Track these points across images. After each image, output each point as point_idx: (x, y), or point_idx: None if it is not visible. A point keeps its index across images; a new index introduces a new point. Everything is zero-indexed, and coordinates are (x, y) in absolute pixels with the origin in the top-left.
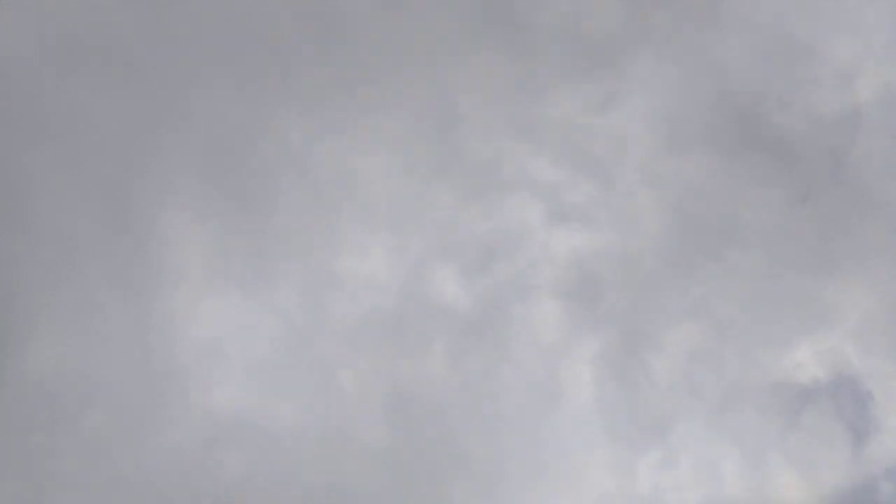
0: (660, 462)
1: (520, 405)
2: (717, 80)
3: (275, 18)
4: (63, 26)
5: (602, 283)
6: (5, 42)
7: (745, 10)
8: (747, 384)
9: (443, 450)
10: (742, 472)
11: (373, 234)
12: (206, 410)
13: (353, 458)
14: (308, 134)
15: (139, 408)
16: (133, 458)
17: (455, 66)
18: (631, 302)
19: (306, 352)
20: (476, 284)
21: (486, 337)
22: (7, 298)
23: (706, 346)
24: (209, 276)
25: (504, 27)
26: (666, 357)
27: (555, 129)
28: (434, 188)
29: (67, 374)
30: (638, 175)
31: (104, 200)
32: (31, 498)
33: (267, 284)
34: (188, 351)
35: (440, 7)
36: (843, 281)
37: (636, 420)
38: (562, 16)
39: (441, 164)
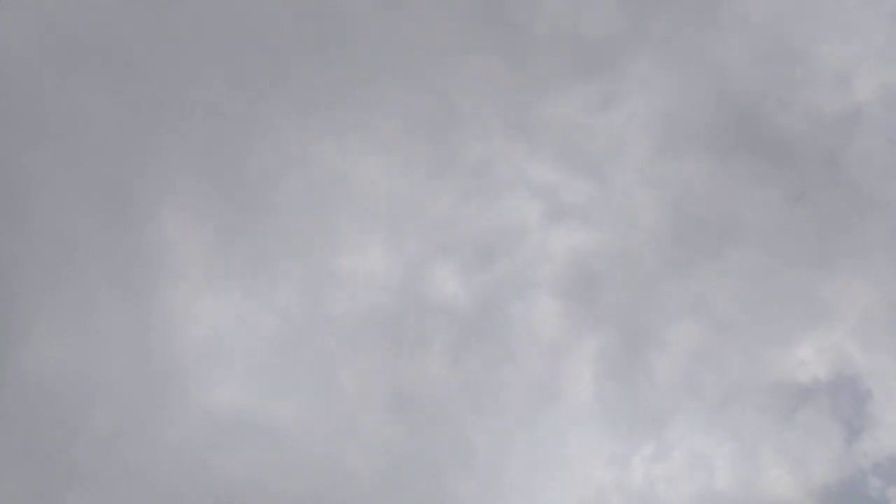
0: (654, 456)
1: (519, 402)
2: (715, 80)
3: (275, 18)
4: (63, 26)
5: (601, 281)
6: (5, 42)
7: (744, 12)
8: (747, 382)
9: (444, 446)
10: (734, 467)
11: (372, 234)
12: (207, 409)
13: (353, 455)
14: (308, 134)
15: (140, 407)
16: (135, 456)
17: (454, 67)
18: (630, 300)
19: (306, 350)
20: (475, 283)
21: (486, 334)
22: (7, 298)
23: (705, 345)
24: (209, 276)
25: (502, 29)
26: (665, 355)
27: (553, 129)
28: (433, 188)
29: (67, 374)
30: (636, 175)
31: (104, 200)
32: (31, 496)
33: (267, 284)
34: (188, 350)
35: (439, 9)
36: (841, 279)
37: (635, 417)
38: (560, 17)
39: (440, 164)
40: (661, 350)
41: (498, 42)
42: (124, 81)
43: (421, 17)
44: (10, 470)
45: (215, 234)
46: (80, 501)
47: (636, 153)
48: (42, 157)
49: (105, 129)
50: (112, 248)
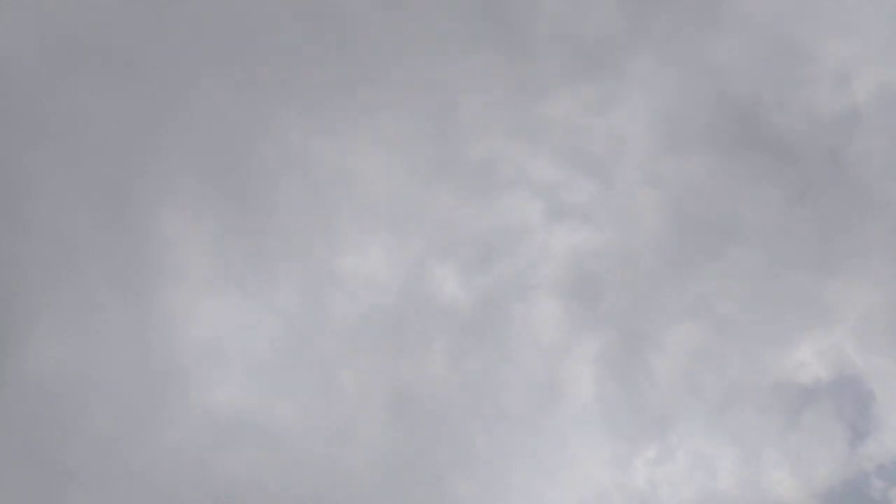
0: (656, 458)
1: (520, 402)
2: (715, 80)
3: (275, 18)
4: (63, 26)
5: (602, 282)
6: (5, 42)
7: (744, 12)
8: (749, 383)
9: (444, 447)
10: (736, 468)
11: (373, 234)
12: (207, 410)
13: (354, 456)
14: (308, 134)
15: (140, 407)
16: (135, 456)
17: (455, 67)
18: (631, 301)
19: (306, 351)
20: (476, 283)
21: (486, 335)
22: (7, 298)
23: (706, 346)
24: (209, 276)
25: (504, 28)
26: (666, 356)
27: (554, 129)
28: (434, 188)
29: (67, 374)
30: (637, 175)
31: (104, 200)
32: (31, 496)
33: (267, 284)
34: (188, 351)
35: (440, 8)
36: (843, 280)
37: (636, 419)
38: (561, 17)
39: (441, 164)
40: (663, 351)
41: (499, 42)
42: (124, 81)
43: (422, 16)
44: (10, 470)
45: (215, 234)
46: (79, 501)
47: (637, 153)
48: (42, 157)
49: (105, 129)
50: (112, 248)
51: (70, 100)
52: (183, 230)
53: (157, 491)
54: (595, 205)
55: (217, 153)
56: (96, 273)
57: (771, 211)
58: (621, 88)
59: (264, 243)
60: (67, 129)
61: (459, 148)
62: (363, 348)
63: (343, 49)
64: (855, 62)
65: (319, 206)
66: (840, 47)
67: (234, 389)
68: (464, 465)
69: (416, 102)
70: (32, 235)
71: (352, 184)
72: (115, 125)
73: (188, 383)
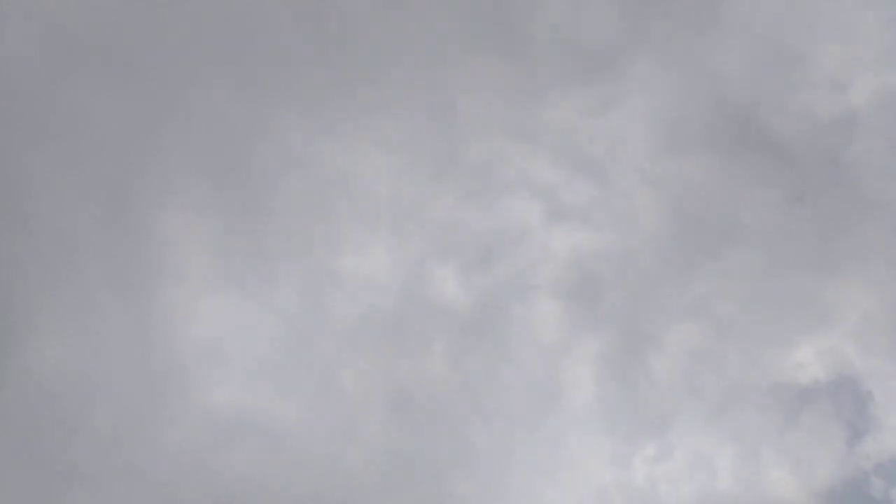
0: (656, 457)
1: (520, 402)
2: (714, 83)
3: (275, 18)
4: (63, 26)
5: (601, 282)
6: (5, 42)
7: (742, 16)
8: (748, 383)
9: (444, 446)
10: (735, 468)
11: (373, 234)
12: (207, 410)
13: (353, 455)
14: (308, 134)
15: (140, 407)
16: (135, 456)
17: (455, 69)
18: (631, 301)
19: (306, 351)
20: (476, 283)
21: (486, 335)
22: (7, 298)
23: (706, 346)
24: (209, 276)
25: (504, 31)
26: (666, 356)
27: (554, 131)
28: (434, 189)
29: (67, 374)
30: (637, 176)
31: (104, 200)
32: (31, 496)
33: (267, 284)
34: (188, 351)
35: (440, 10)
36: (842, 280)
37: (636, 418)
38: (561, 20)
39: (441, 165)
40: (662, 351)
41: (499, 44)
42: (124, 81)
43: (422, 18)
44: (10, 470)
45: (215, 234)
46: (80, 501)
47: (636, 155)
48: (42, 157)
49: (105, 129)
50: (112, 248)
51: (70, 100)
52: (183, 230)
53: (158, 490)
54: (594, 206)
55: (217, 153)
56: (96, 273)
57: (769, 212)
58: (621, 91)
59: (264, 243)
60: (67, 129)
61: (459, 149)
62: (363, 348)
63: (343, 49)
64: (852, 66)
65: (319, 207)
66: (838, 51)
67: (234, 389)
68: (464, 464)
69: (416, 103)
70: (32, 235)
71: (352, 184)
72: (115, 125)
73: (188, 383)
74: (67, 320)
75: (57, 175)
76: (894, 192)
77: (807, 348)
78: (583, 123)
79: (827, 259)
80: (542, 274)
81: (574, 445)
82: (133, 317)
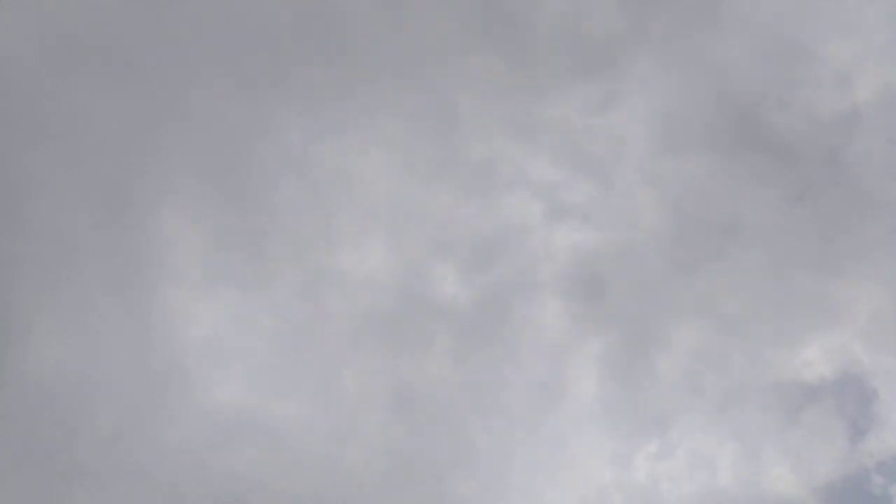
0: (657, 455)
1: (521, 402)
2: (716, 80)
3: (275, 18)
4: (63, 26)
5: (603, 281)
6: (5, 42)
7: (744, 12)
8: (750, 382)
9: (445, 446)
10: (737, 466)
11: (373, 234)
12: (207, 409)
13: (353, 455)
14: (308, 134)
15: (140, 407)
16: (135, 456)
17: (455, 67)
18: (632, 300)
19: (306, 351)
20: (476, 282)
21: (487, 334)
22: (7, 298)
23: (709, 344)
24: (209, 276)
25: (503, 28)
26: (668, 355)
27: (554, 129)
28: (433, 187)
29: (67, 374)
30: (637, 174)
31: (104, 200)
32: (32, 496)
33: (266, 284)
34: (188, 350)
35: (440, 8)
36: (845, 279)
37: (638, 417)
38: (561, 17)
39: (440, 164)
40: (665, 350)
41: (499, 42)
42: (124, 81)
43: (421, 16)
44: (10, 470)
45: (215, 234)
46: (80, 501)
47: (637, 153)
48: (42, 157)
49: (105, 129)
50: (112, 248)
51: (70, 100)
52: (183, 230)
53: (158, 490)
54: (595, 205)
55: (217, 153)
56: (96, 273)
57: (771, 211)
58: (621, 88)
59: (264, 243)
60: (67, 129)
61: (459, 148)
62: (363, 348)
63: (343, 49)
64: (855, 62)
65: (319, 206)
66: (840, 47)
67: (234, 389)
68: (465, 463)
69: (416, 102)
70: (32, 235)
71: (351, 184)
72: (115, 125)
73: (188, 383)
74: (67, 320)
75: (57, 175)
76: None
77: (811, 346)
78: (583, 121)
79: (830, 257)
80: (542, 273)
81: (575, 444)
82: (133, 317)
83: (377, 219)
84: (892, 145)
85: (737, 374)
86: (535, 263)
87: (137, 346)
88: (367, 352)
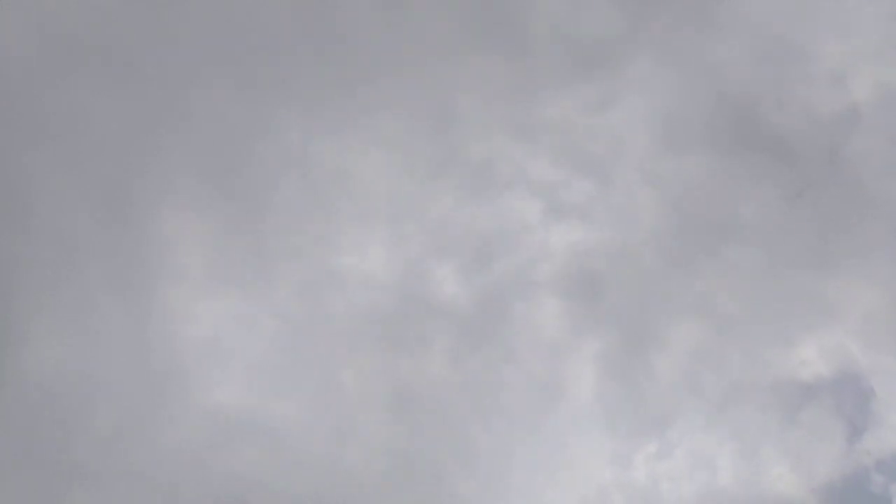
0: (656, 455)
1: (520, 401)
2: (713, 80)
3: (275, 18)
4: (63, 26)
5: (602, 280)
6: (5, 42)
7: (742, 12)
8: (749, 381)
9: (444, 446)
10: (736, 465)
11: (372, 233)
12: (207, 409)
13: (353, 455)
14: (308, 134)
15: (140, 407)
16: (135, 456)
17: (453, 67)
18: (631, 299)
19: (306, 351)
20: (475, 282)
21: (486, 334)
22: (7, 298)
23: (707, 344)
24: (208, 276)
25: (502, 28)
26: (667, 354)
27: (553, 128)
28: (433, 187)
29: (67, 374)
30: (636, 174)
31: (104, 200)
32: (31, 496)
33: (266, 284)
34: (188, 350)
35: (439, 8)
36: (843, 278)
37: (637, 416)
38: (559, 17)
39: (440, 164)
40: (663, 349)
41: (498, 42)
42: (124, 81)
43: (421, 16)
44: (10, 470)
45: (215, 233)
46: (80, 501)
47: (636, 152)
48: (42, 157)
49: (105, 129)
50: (112, 248)
51: (70, 100)
52: (182, 230)
53: (158, 490)
54: (594, 204)
55: (217, 153)
56: (96, 273)
57: (770, 209)
58: (620, 88)
59: (264, 243)
60: (67, 129)
61: (458, 148)
62: (363, 348)
63: (343, 49)
64: (853, 61)
65: (319, 206)
66: (838, 46)
67: (234, 389)
68: (464, 463)
69: (415, 102)
70: (32, 235)
71: (351, 184)
72: (115, 125)
73: (188, 383)
74: (67, 320)
75: (57, 175)
76: (894, 190)
77: (809, 345)
78: (582, 121)
79: (828, 256)
80: (541, 272)
81: (574, 444)
82: (133, 317)
83: (376, 218)
84: (890, 144)
85: (736, 374)
86: (535, 263)
87: (137, 346)
88: (367, 352)
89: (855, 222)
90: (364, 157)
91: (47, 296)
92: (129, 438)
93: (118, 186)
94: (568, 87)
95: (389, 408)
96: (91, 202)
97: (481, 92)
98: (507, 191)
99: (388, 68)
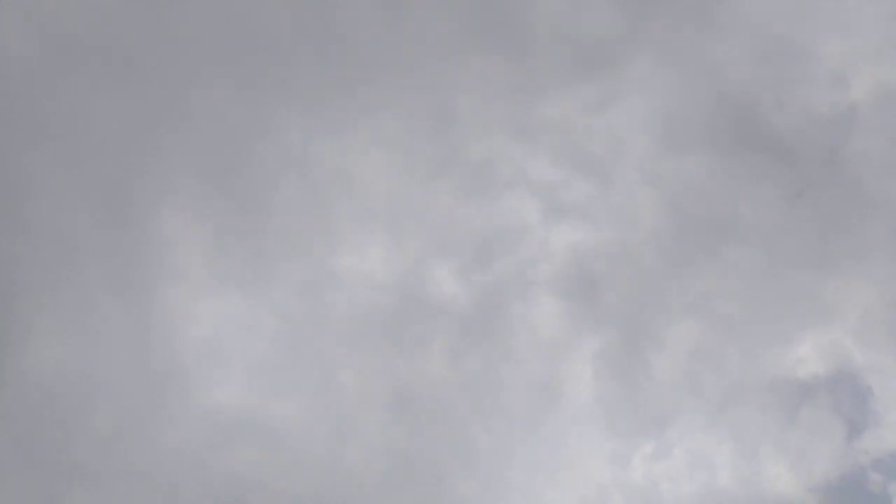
0: (655, 454)
1: (519, 401)
2: (713, 80)
3: (275, 18)
4: (63, 26)
5: (601, 280)
6: (5, 42)
7: (742, 12)
8: (747, 381)
9: (444, 445)
10: (735, 465)
11: (372, 233)
12: (207, 409)
13: (353, 455)
14: (308, 134)
15: (140, 407)
16: (135, 456)
17: (453, 67)
18: (630, 299)
19: (306, 351)
20: (475, 282)
21: (486, 334)
22: (7, 298)
23: (706, 343)
24: (209, 276)
25: (502, 28)
26: (666, 354)
27: (553, 128)
28: (432, 187)
29: (67, 374)
30: (636, 174)
31: (104, 200)
32: (31, 496)
33: (266, 284)
34: (188, 351)
35: (439, 9)
36: (842, 277)
37: (636, 416)
38: (560, 17)
39: (439, 164)
40: (662, 349)
41: (498, 42)
42: (124, 81)
43: (421, 16)
44: (10, 470)
45: (215, 234)
46: (80, 501)
47: (636, 152)
48: (42, 157)
49: (105, 129)
50: (112, 248)
51: (70, 100)
52: (183, 230)
53: (158, 490)
54: (594, 204)
55: (217, 153)
56: (96, 273)
57: (769, 209)
58: (620, 88)
59: (264, 243)
60: (67, 129)
61: (458, 148)
62: (363, 348)
63: (343, 49)
64: (852, 61)
65: (319, 206)
66: (837, 46)
67: (234, 389)
68: (464, 463)
69: (415, 102)
70: (32, 235)
71: (351, 184)
72: (115, 125)
73: (188, 383)
74: (67, 320)
75: (57, 175)
76: (894, 188)
77: (807, 344)
78: (582, 121)
79: (827, 255)
80: (541, 272)
81: (574, 444)
82: (133, 317)
83: (376, 218)
84: (890, 144)
85: (735, 374)
86: (534, 263)
87: (137, 346)
88: (366, 351)
89: (854, 222)
90: (364, 157)
91: (47, 296)
92: (129, 438)
93: (118, 186)
94: (568, 87)
95: (389, 408)
96: (91, 202)
97: (481, 92)
98: (506, 191)
99: (388, 68)
